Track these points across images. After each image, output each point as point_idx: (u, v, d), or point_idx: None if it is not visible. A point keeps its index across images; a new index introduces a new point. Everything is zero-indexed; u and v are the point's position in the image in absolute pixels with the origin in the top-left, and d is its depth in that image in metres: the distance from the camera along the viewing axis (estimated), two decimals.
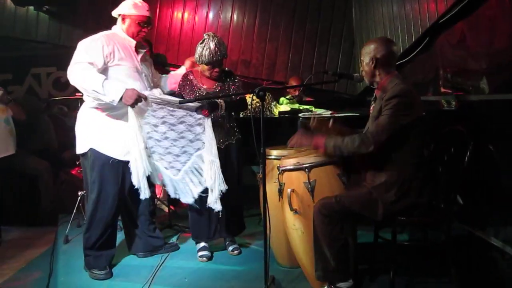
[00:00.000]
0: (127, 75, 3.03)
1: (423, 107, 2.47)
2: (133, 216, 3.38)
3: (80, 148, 3.13)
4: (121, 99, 2.82)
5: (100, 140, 3.05)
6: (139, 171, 2.90)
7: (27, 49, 5.76)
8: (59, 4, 5.42)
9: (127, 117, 2.93)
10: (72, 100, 4.41)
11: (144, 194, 2.93)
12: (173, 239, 3.79)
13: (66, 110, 5.70)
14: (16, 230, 4.32)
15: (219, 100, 3.16)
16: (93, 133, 3.06)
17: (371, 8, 4.61)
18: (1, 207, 4.42)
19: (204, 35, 3.22)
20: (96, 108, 3.04)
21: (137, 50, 3.15)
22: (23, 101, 5.30)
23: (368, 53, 2.54)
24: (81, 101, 4.16)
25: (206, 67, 3.21)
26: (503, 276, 2.48)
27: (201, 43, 3.19)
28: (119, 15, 3.13)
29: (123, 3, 3.13)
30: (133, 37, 3.12)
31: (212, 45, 3.13)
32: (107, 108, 3.01)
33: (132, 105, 2.85)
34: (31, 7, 5.43)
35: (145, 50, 3.24)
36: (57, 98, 4.68)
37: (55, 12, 5.49)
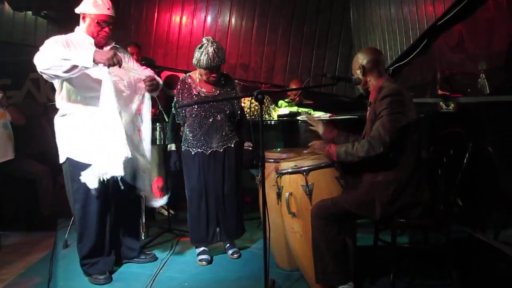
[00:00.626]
0: (92, 80, 2.86)
1: (416, 107, 2.49)
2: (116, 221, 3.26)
3: (60, 158, 3.06)
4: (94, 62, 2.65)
5: (75, 148, 2.96)
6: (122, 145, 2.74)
7: (25, 54, 5.74)
8: (57, 9, 5.42)
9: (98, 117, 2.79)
10: None
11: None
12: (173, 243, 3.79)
13: None
14: (15, 235, 4.31)
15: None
16: (67, 142, 2.98)
17: (368, 10, 4.62)
18: (0, 212, 4.41)
19: (203, 39, 3.21)
20: (67, 115, 2.95)
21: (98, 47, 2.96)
22: (22, 105, 5.30)
23: (356, 64, 2.65)
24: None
25: (203, 71, 3.21)
26: (503, 278, 2.47)
27: (199, 48, 3.18)
28: (80, 13, 2.98)
29: (84, 1, 2.98)
30: (93, 37, 2.95)
31: (210, 50, 3.12)
32: (78, 110, 2.92)
33: (109, 65, 2.70)
34: (29, 12, 5.43)
35: (109, 47, 3.04)
36: (55, 102, 4.66)
37: (54, 17, 5.49)
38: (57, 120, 3.05)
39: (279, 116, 3.71)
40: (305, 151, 2.81)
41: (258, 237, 3.80)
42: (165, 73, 5.12)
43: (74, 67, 2.69)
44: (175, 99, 3.32)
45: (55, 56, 2.69)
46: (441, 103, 3.29)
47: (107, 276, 3.10)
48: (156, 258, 3.44)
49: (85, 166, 2.85)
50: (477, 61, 2.79)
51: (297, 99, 4.52)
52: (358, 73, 2.64)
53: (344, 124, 3.35)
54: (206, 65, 3.14)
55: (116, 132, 2.75)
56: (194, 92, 3.28)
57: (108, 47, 3.03)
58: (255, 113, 3.58)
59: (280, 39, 5.46)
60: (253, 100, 2.46)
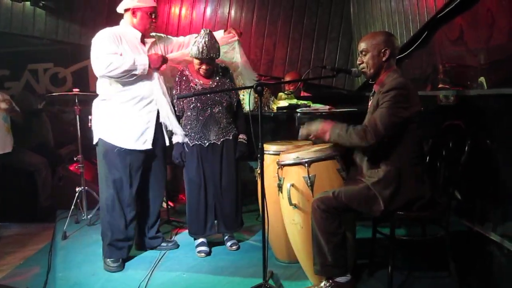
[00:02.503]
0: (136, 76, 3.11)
1: (420, 101, 2.46)
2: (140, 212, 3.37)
3: (94, 139, 3.23)
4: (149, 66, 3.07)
5: (107, 130, 3.13)
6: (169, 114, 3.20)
7: (24, 45, 5.74)
8: None
9: (134, 104, 3.12)
10: (69, 96, 4.40)
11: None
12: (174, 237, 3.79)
13: (62, 107, 5.70)
14: (14, 226, 4.32)
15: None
16: (102, 123, 3.16)
17: (369, 3, 4.60)
18: (0, 204, 4.41)
19: (202, 30, 3.23)
20: (106, 100, 3.13)
21: (143, 42, 3.20)
22: (19, 98, 5.29)
23: (376, 45, 2.48)
24: (78, 97, 4.20)
25: (196, 61, 3.24)
26: (501, 270, 2.48)
27: (195, 37, 3.23)
28: (128, 9, 3.13)
29: None
30: (144, 30, 3.17)
31: (202, 42, 3.15)
32: (118, 98, 3.11)
33: (158, 68, 3.14)
34: (28, 3, 5.38)
35: (152, 40, 3.28)
36: (54, 93, 4.65)
37: (52, 8, 5.45)
38: (96, 103, 3.22)
39: (278, 108, 3.70)
40: (302, 134, 2.64)
41: (257, 229, 3.82)
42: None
43: (133, 75, 3.05)
44: (174, 91, 3.32)
45: (116, 65, 2.97)
46: (440, 96, 3.29)
47: (120, 264, 3.17)
48: (178, 246, 3.53)
49: (113, 147, 3.11)
50: (477, 54, 2.78)
51: (291, 88, 4.48)
52: (376, 57, 2.47)
53: (343, 117, 3.34)
54: (194, 55, 3.18)
55: (170, 118, 3.22)
56: (192, 84, 3.28)
57: (149, 43, 3.26)
58: (255, 105, 3.57)
59: (280, 31, 5.44)
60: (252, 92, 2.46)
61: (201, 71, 3.26)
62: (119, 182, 3.15)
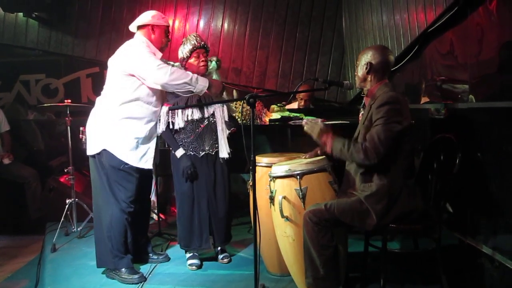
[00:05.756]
0: (154, 91, 3.15)
1: (411, 114, 2.49)
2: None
3: (92, 149, 3.13)
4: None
5: (114, 142, 3.07)
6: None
7: (16, 55, 5.72)
8: (48, 10, 5.39)
9: (144, 123, 3.13)
10: (60, 107, 4.38)
11: None
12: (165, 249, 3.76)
13: (54, 118, 5.67)
14: (3, 238, 4.28)
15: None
16: (108, 134, 3.08)
17: (361, 17, 4.65)
18: None
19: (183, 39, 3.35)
20: (116, 109, 3.08)
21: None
22: (11, 108, 5.28)
23: (364, 58, 2.57)
24: (69, 107, 4.18)
25: (193, 59, 3.27)
26: (492, 283, 2.48)
27: (181, 45, 3.32)
28: (146, 25, 3.16)
29: (147, 14, 3.18)
30: (160, 47, 3.22)
31: (192, 36, 3.28)
32: (130, 112, 3.08)
33: (218, 94, 3.25)
34: (21, 14, 5.39)
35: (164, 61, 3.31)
36: (45, 105, 4.63)
37: (45, 19, 5.46)
38: (101, 113, 3.14)
39: (271, 120, 3.71)
40: (304, 124, 2.66)
41: (248, 242, 3.79)
42: None
43: (189, 91, 3.14)
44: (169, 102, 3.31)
45: (177, 75, 3.05)
46: (431, 109, 3.31)
47: (141, 275, 3.13)
48: (169, 258, 3.50)
49: (120, 163, 3.07)
50: (467, 68, 2.82)
51: (302, 103, 4.50)
52: (362, 68, 2.56)
53: (336, 129, 3.35)
54: (192, 46, 3.24)
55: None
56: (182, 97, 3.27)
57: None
58: (247, 117, 3.57)
59: (273, 44, 5.48)
60: (245, 104, 2.46)
61: (202, 64, 3.29)
62: (126, 199, 3.11)
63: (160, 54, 3.19)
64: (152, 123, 3.18)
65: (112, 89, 3.12)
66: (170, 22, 5.48)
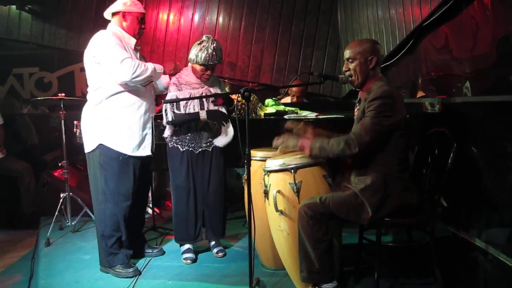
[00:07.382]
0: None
1: (406, 109, 2.48)
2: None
3: (89, 146, 3.10)
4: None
5: (109, 135, 3.04)
6: None
7: (9, 49, 5.67)
8: (42, 3, 5.35)
9: (136, 110, 3.07)
10: (54, 101, 4.35)
11: None
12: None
13: (48, 112, 5.63)
14: None
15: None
16: (101, 129, 3.04)
17: (356, 11, 4.64)
18: None
19: (204, 36, 3.25)
20: (106, 104, 3.03)
21: (135, 48, 3.16)
22: (4, 102, 5.24)
23: (363, 53, 2.49)
24: (63, 101, 4.15)
25: (199, 67, 3.23)
26: (486, 276, 2.50)
27: (199, 44, 3.21)
28: (118, 12, 3.09)
29: (120, 1, 3.10)
30: (134, 35, 3.13)
31: (210, 48, 3.17)
32: (119, 102, 3.03)
33: (174, 73, 3.26)
34: (14, 6, 5.34)
35: (139, 48, 3.24)
36: (39, 98, 4.60)
37: (38, 12, 5.42)
38: (90, 108, 3.09)
39: (266, 115, 3.70)
40: (276, 145, 2.67)
41: (243, 236, 3.80)
42: None
43: (150, 82, 3.10)
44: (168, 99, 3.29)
45: (140, 71, 2.92)
46: (426, 103, 3.32)
47: (135, 269, 3.12)
48: (164, 252, 3.49)
49: (118, 154, 3.03)
50: (462, 63, 2.82)
51: (295, 99, 4.51)
52: (365, 63, 2.48)
53: (331, 124, 3.35)
54: (203, 61, 3.17)
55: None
56: (184, 89, 3.26)
57: (139, 50, 3.23)
58: (241, 111, 3.57)
59: (268, 38, 5.47)
60: (239, 98, 2.45)
61: (204, 78, 3.27)
62: (125, 192, 3.08)
63: (134, 41, 3.11)
64: (144, 108, 3.12)
65: (96, 83, 3.06)
66: (164, 16, 5.47)
